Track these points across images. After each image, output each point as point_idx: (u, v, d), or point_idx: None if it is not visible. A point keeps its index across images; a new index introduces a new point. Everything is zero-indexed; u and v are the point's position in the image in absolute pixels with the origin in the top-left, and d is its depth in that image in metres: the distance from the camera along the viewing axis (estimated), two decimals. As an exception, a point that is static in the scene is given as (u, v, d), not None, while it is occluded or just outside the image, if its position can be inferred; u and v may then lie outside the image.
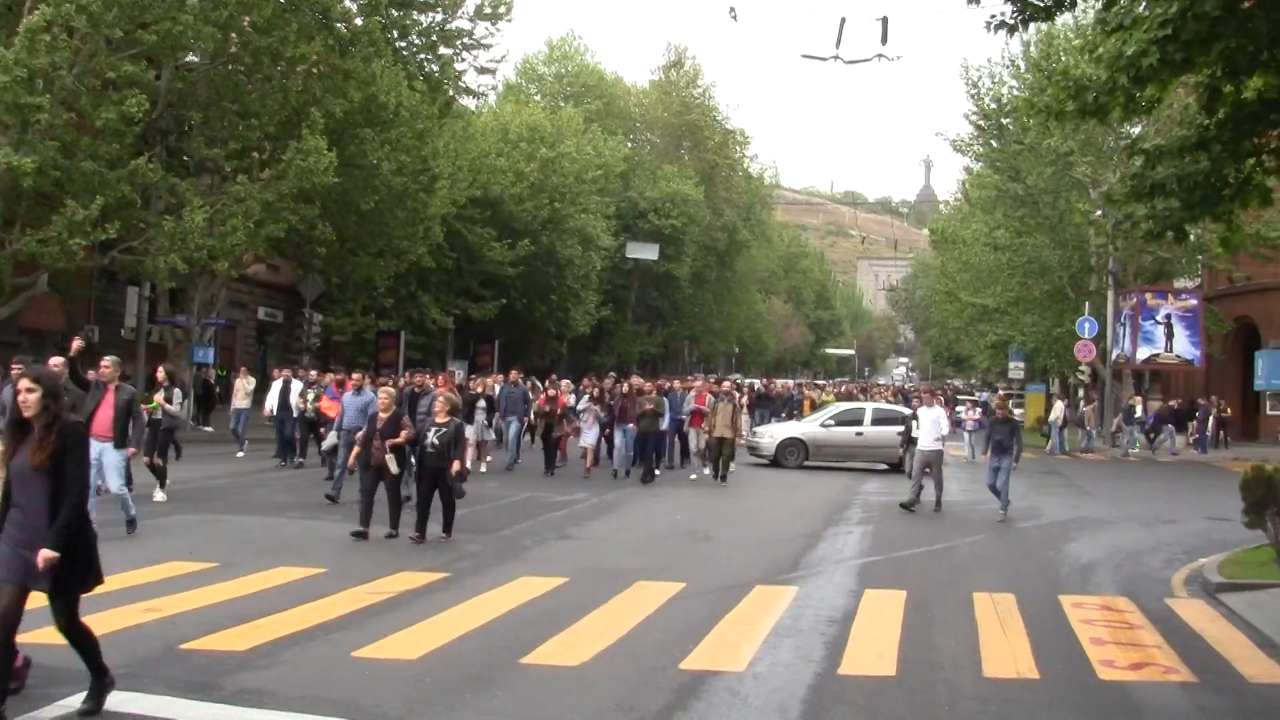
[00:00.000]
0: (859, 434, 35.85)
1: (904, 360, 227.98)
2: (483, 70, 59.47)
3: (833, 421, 36.61)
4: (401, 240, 45.66)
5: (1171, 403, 53.92)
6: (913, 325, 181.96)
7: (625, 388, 31.30)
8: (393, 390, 19.48)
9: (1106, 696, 10.49)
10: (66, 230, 30.48)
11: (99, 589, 8.78)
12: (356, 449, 18.62)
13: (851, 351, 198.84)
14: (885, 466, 35.29)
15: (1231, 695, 10.70)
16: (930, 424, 25.03)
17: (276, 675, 10.07)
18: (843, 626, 12.89)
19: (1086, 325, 50.46)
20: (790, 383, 57.37)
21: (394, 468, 17.82)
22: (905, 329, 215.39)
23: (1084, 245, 52.87)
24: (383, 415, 18.15)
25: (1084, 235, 52.35)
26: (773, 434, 36.91)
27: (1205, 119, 13.87)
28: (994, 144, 54.74)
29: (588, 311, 67.25)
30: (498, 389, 31.25)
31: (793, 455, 35.44)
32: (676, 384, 35.91)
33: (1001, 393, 61.39)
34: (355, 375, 25.50)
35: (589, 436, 29.92)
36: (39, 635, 10.95)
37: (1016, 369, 71.00)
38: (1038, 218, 51.67)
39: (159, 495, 21.18)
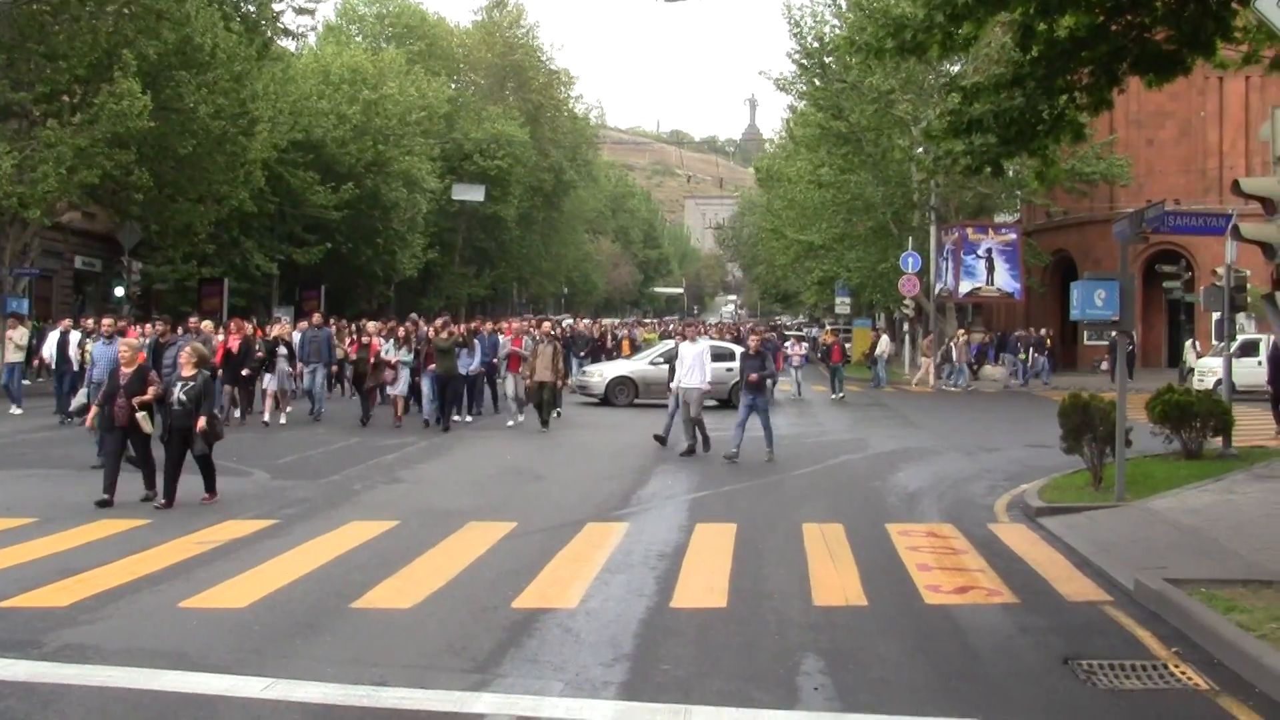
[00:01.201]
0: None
1: (732, 298, 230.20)
2: (301, 11, 58.13)
3: (662, 359, 36.67)
4: (222, 185, 44.66)
5: (988, 336, 55.28)
6: (740, 263, 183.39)
7: (430, 331, 29.16)
8: (135, 342, 17.89)
9: (932, 620, 10.73)
10: None
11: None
12: (94, 408, 17.24)
13: (680, 290, 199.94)
14: (715, 403, 35.54)
15: (1051, 614, 11.01)
16: (693, 360, 23.51)
17: (100, 630, 9.87)
18: (674, 561, 13.00)
19: (910, 260, 51.30)
20: (587, 322, 57.01)
21: (148, 426, 16.14)
22: (733, 267, 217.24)
23: (906, 182, 53.62)
24: (126, 370, 16.38)
25: (906, 172, 53.08)
26: (602, 373, 36.97)
27: (1020, 56, 14.10)
28: (817, 82, 55.06)
29: (415, 255, 66.61)
30: (297, 336, 29.78)
31: (623, 393, 35.55)
32: (488, 326, 34.69)
33: (830, 327, 62.35)
34: (105, 321, 22.65)
35: (399, 385, 28.09)
36: None
37: (843, 304, 72.06)
38: (861, 155, 52.23)
39: None
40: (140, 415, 16.02)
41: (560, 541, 13.91)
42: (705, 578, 12.12)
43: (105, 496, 15.91)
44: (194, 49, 40.53)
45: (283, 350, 27.81)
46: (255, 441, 23.75)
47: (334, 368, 31.02)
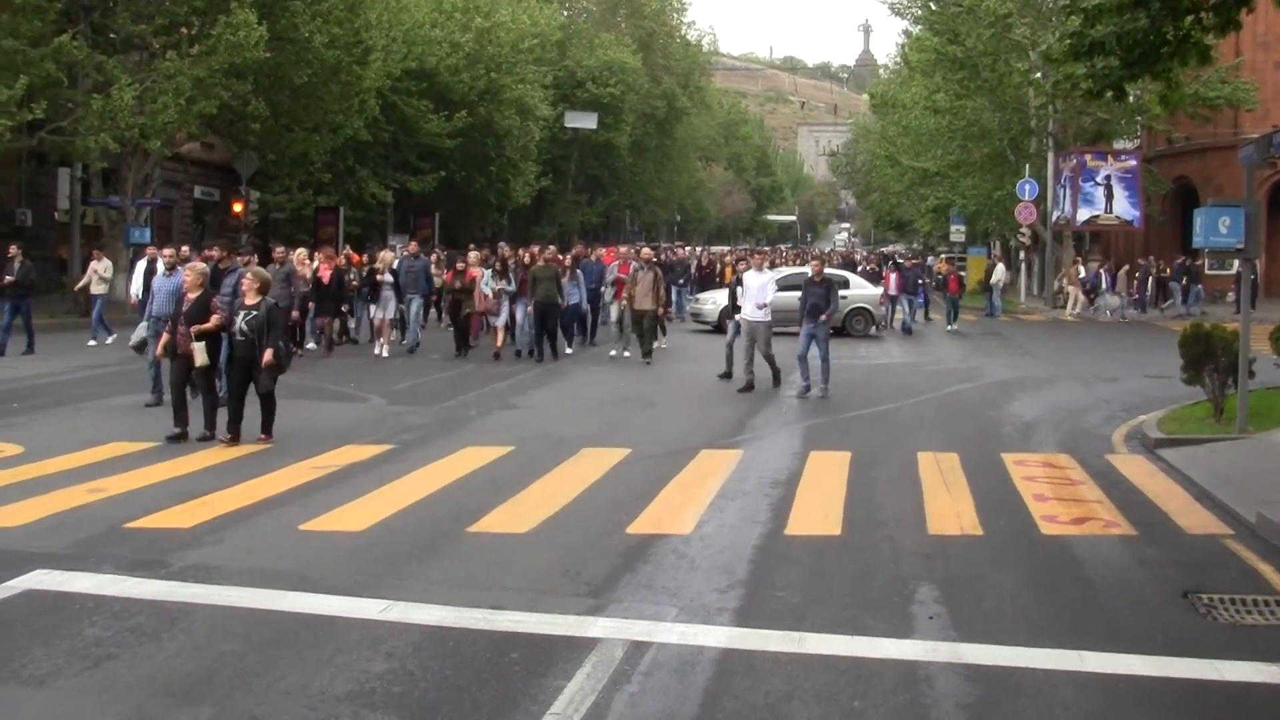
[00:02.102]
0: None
1: (846, 226, 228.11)
2: (414, -61, 58.22)
3: (775, 286, 36.55)
4: (337, 114, 45.03)
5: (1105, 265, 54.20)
6: (854, 190, 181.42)
7: (526, 259, 28.12)
8: (202, 266, 16.80)
9: (1049, 550, 10.64)
10: (-10, 111, 29.89)
11: (43, 469, 8.72)
12: (165, 336, 15.99)
13: (793, 218, 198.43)
14: (832, 331, 35.32)
15: (1169, 547, 10.87)
16: (756, 291, 22.22)
17: (223, 551, 10.07)
18: (787, 488, 12.99)
19: (1027, 188, 50.58)
20: (685, 250, 56.16)
21: (201, 358, 15.29)
22: (846, 194, 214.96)
23: (1024, 107, 52.71)
24: (190, 296, 15.64)
25: (1024, 97, 52.17)
26: (715, 300, 36.83)
27: (1145, -25, 13.73)
28: (933, 6, 54.22)
29: (528, 183, 66.74)
30: (398, 264, 28.45)
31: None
32: (596, 252, 33.78)
33: (944, 256, 61.65)
34: (166, 251, 20.49)
35: (501, 315, 26.96)
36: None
37: (958, 232, 71.14)
38: (977, 80, 51.34)
39: None
40: (196, 345, 15.23)
41: (674, 468, 13.95)
42: (819, 505, 12.11)
43: (177, 430, 15.29)
44: (309, -22, 40.75)
45: (388, 278, 27.25)
46: (370, 368, 24.01)
47: (433, 298, 30.01)
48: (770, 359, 22.25)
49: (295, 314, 24.28)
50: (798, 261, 24.40)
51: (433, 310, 31.35)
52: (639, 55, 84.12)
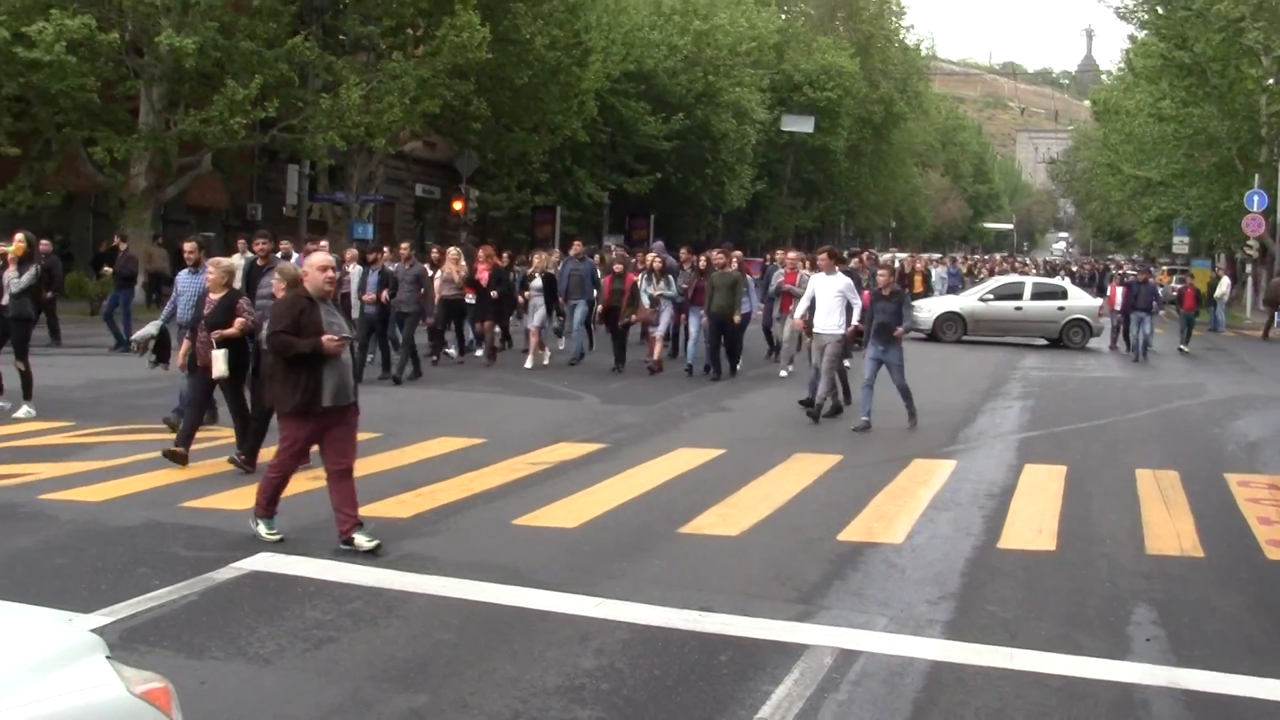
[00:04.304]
0: (1018, 309, 35.29)
1: (1064, 235, 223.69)
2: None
3: (991, 295, 36.12)
4: (556, 115, 45.73)
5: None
6: (1073, 199, 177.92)
7: (701, 263, 24.17)
8: (228, 262, 14.07)
9: (1275, 575, 10.28)
10: (227, 109, 30.96)
11: (266, 457, 9.00)
12: (185, 344, 13.77)
13: (1010, 226, 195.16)
14: (1044, 341, 34.75)
15: (1405, 575, 10.42)
16: (831, 299, 18.10)
17: (439, 541, 10.29)
18: (1001, 501, 12.78)
19: (1256, 199, 49.00)
20: (866, 256, 53.45)
21: (220, 368, 12.93)
22: (1065, 203, 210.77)
23: (1255, 115, 51.05)
24: (213, 297, 13.26)
25: (1255, 104, 50.56)
26: (930, 308, 36.50)
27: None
28: (1160, 10, 52.85)
29: (743, 186, 66.97)
30: (562, 266, 25.92)
31: (950, 329, 35.06)
32: (781, 255, 28.54)
33: (1165, 269, 60.05)
34: (188, 246, 15.76)
35: (660, 324, 24.46)
36: (216, 501, 11.36)
37: (1181, 244, 69.26)
38: (1205, 87, 49.87)
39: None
40: (216, 353, 12.93)
41: (886, 476, 13.82)
42: (1033, 519, 11.88)
43: (177, 449, 13.06)
44: (532, -18, 41.41)
45: (537, 283, 24.75)
46: (581, 367, 24.16)
47: (596, 304, 25.69)
48: (843, 375, 19.27)
49: (430, 320, 23.15)
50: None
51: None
52: (856, 59, 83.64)
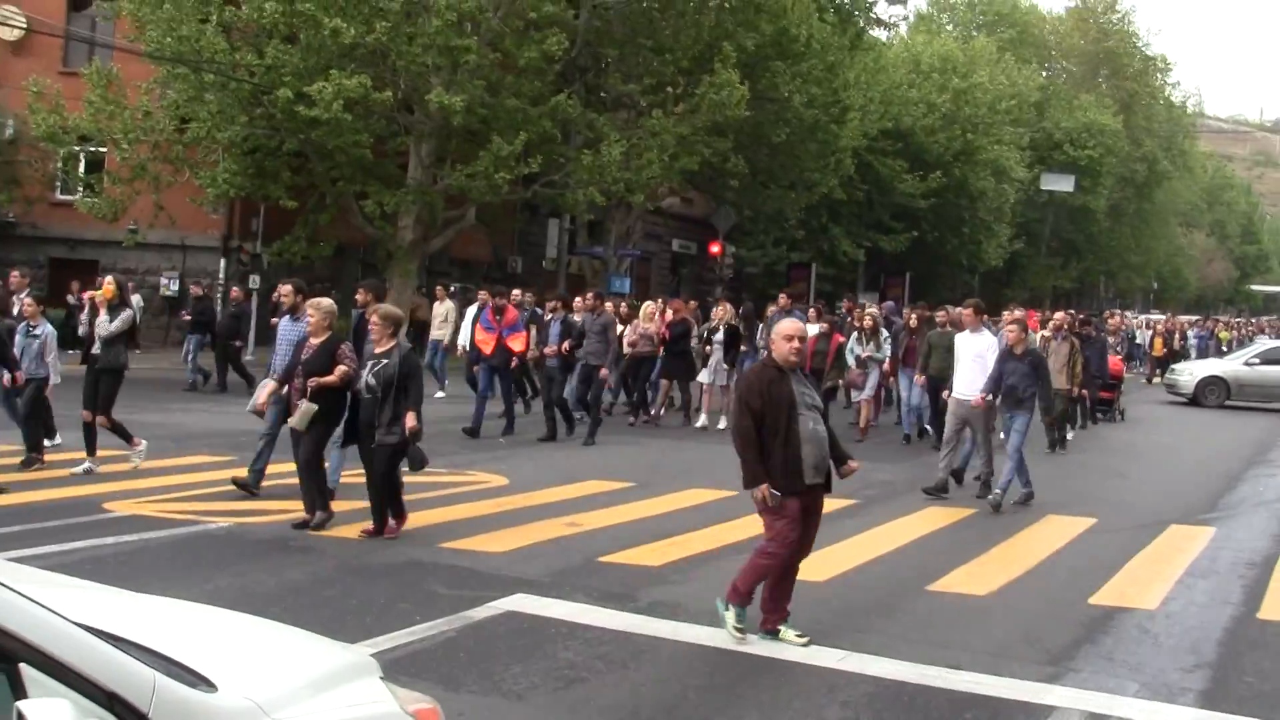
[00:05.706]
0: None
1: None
2: (893, 1, 58.86)
3: (1258, 360, 34.96)
4: (812, 172, 45.86)
5: None
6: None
7: (913, 320, 22.75)
8: (328, 304, 12.78)
9: None
10: (492, 165, 31.82)
11: (526, 501, 9.25)
12: (271, 385, 13.08)
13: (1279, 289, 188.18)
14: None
15: None
16: (973, 360, 16.16)
17: (688, 590, 10.44)
18: (1263, 570, 12.39)
19: None
20: (1119, 317, 49.94)
21: (302, 421, 11.89)
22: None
23: None
24: (313, 342, 12.32)
25: None
26: (1192, 371, 35.53)
27: None
28: None
29: (1000, 245, 66.09)
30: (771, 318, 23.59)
31: (1213, 394, 34.04)
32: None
33: None
34: (284, 289, 14.58)
35: (868, 387, 22.52)
36: (473, 543, 11.75)
37: None
38: None
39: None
40: (301, 403, 11.93)
41: (1141, 541, 13.52)
42: (1297, 589, 11.52)
43: (310, 518, 12.14)
44: (790, 40, 41.59)
45: (719, 338, 22.79)
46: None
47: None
48: (990, 455, 16.24)
49: (604, 371, 20.89)
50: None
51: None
52: (1119, 117, 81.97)
